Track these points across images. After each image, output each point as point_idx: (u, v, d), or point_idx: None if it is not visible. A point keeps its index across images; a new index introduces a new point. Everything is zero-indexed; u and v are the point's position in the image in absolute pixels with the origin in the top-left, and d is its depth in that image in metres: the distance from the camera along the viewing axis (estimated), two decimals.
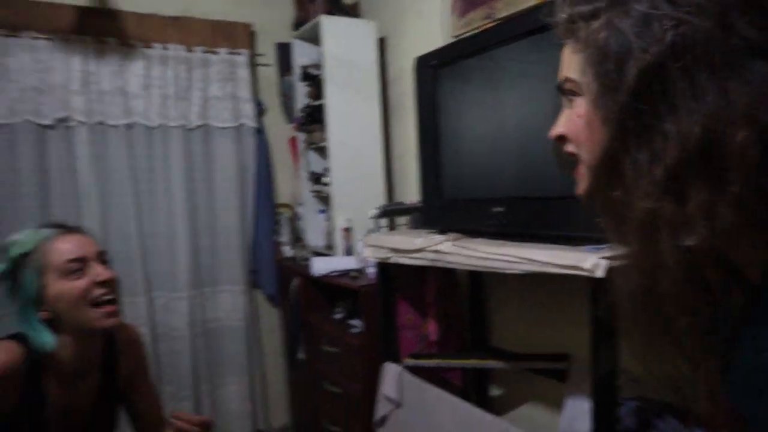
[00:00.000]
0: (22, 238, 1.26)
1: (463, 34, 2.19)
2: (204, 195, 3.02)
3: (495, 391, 2.33)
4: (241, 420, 3.16)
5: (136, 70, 2.83)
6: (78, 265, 1.25)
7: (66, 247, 1.26)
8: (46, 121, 2.67)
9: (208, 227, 3.05)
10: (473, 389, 2.30)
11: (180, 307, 2.96)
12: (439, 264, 1.61)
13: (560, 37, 0.66)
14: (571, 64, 0.64)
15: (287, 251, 3.14)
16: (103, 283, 1.26)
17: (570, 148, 0.67)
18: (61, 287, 1.23)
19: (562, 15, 0.64)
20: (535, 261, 1.26)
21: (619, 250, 0.63)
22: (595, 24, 0.59)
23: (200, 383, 3.04)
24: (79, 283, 1.24)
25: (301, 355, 2.82)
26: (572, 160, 0.68)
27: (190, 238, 2.95)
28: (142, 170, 2.88)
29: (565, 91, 0.66)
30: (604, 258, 1.12)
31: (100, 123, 2.77)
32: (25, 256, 1.24)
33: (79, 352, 1.29)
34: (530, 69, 1.42)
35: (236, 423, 3.16)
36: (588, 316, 1.24)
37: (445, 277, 2.15)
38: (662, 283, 0.57)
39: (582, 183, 0.67)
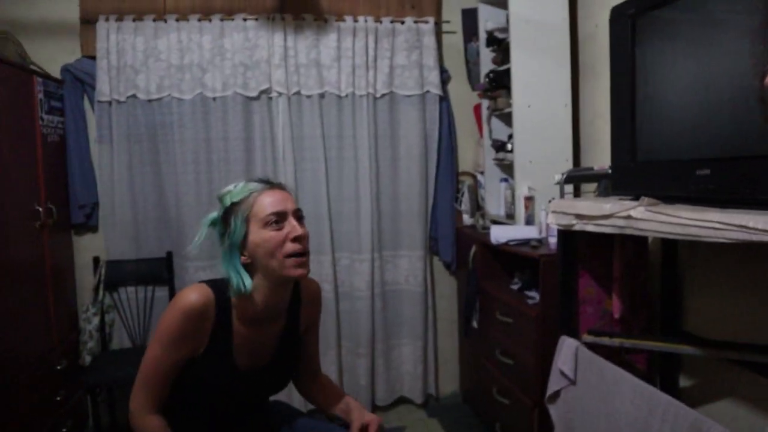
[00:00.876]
0: (235, 189, 1.40)
1: None
2: (388, 162, 3.13)
3: (685, 382, 2.10)
4: (413, 382, 3.26)
5: (329, 42, 3.00)
6: (277, 218, 1.34)
7: (269, 201, 1.36)
8: (252, 94, 2.96)
9: (391, 193, 3.16)
10: (659, 376, 2.11)
11: (362, 268, 3.12)
12: (629, 232, 1.48)
13: None
14: None
15: (467, 219, 3.14)
16: (296, 238, 1.34)
17: None
18: (261, 236, 1.33)
19: None
20: (750, 228, 1.10)
21: None
22: None
23: (376, 342, 3.19)
24: (277, 235, 1.33)
25: (475, 323, 2.82)
26: None
27: (374, 203, 3.09)
28: (331, 137, 3.07)
29: None
30: None
31: (297, 93, 3.00)
32: (236, 204, 1.36)
33: (270, 297, 1.39)
34: (747, 12, 1.22)
35: (408, 385, 3.28)
36: None
37: (634, 249, 1.98)
38: None
39: None
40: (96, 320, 2.89)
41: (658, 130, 1.54)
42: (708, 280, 1.95)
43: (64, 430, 2.68)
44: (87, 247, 3.03)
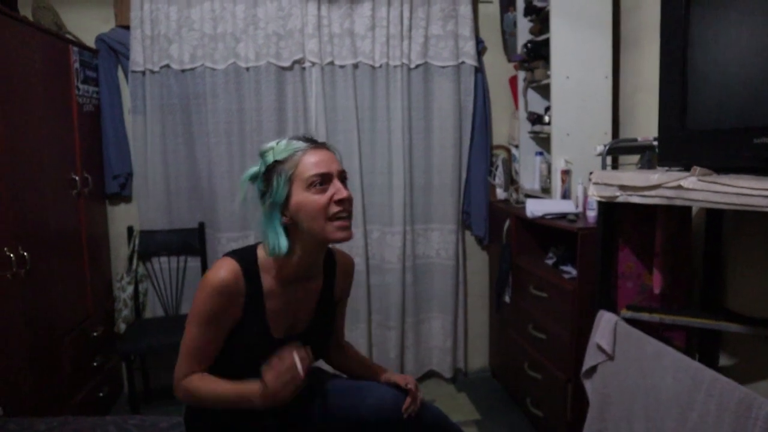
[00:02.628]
0: (278, 146, 1.35)
1: None
2: (421, 134, 3.09)
3: (726, 361, 2.06)
4: (442, 356, 3.26)
5: (363, 12, 2.95)
6: (322, 180, 1.29)
7: (314, 161, 1.31)
8: (285, 63, 2.93)
9: (424, 166, 3.12)
10: (697, 354, 2.07)
11: (393, 241, 3.10)
12: (678, 203, 1.43)
13: None
14: None
15: (500, 193, 3.09)
16: (340, 201, 1.30)
17: None
18: (304, 197, 1.29)
19: None
20: None
21: None
22: None
23: (406, 316, 3.19)
24: (320, 198, 1.29)
25: (507, 297, 2.79)
26: None
27: (407, 176, 3.05)
28: (365, 108, 3.03)
29: None
30: None
31: (330, 63, 2.96)
32: (278, 162, 1.32)
33: (305, 258, 1.37)
34: None
35: (437, 359, 3.27)
36: None
37: (678, 223, 1.92)
38: None
39: None
40: (130, 289, 2.94)
41: (711, 97, 1.49)
42: (752, 256, 1.90)
43: (101, 394, 2.75)
44: (121, 217, 3.06)
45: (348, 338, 3.10)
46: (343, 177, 1.35)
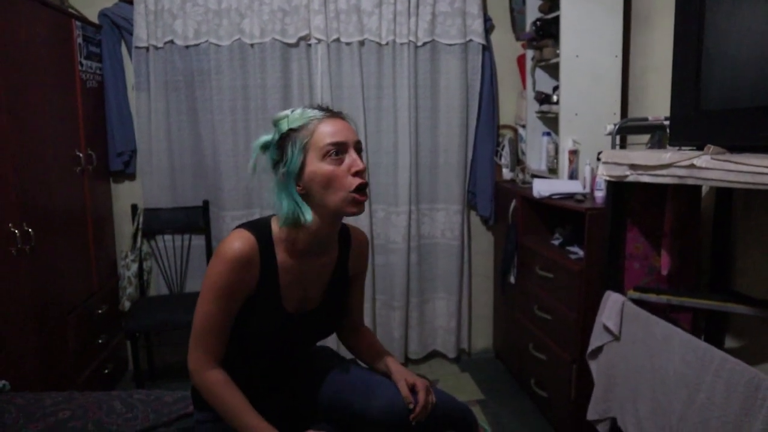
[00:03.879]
0: (293, 115, 1.30)
1: None
2: (428, 113, 3.06)
3: (732, 342, 2.05)
4: (446, 336, 3.26)
5: None
6: (338, 150, 1.26)
7: (329, 130, 1.26)
8: (290, 40, 2.89)
9: (430, 145, 3.09)
10: (704, 336, 2.06)
11: (399, 221, 3.09)
12: (689, 182, 1.42)
13: None
14: None
15: (506, 173, 3.07)
16: (357, 173, 1.27)
17: None
18: (318, 167, 1.25)
19: None
20: None
21: None
22: None
23: (411, 296, 3.18)
24: (336, 169, 1.25)
25: (512, 278, 2.78)
26: None
27: (412, 155, 3.03)
28: (371, 86, 2.99)
29: None
30: None
31: (336, 40, 2.92)
32: (293, 131, 1.27)
33: (320, 230, 1.32)
34: None
35: (441, 339, 3.28)
36: None
37: (687, 204, 1.90)
38: None
39: None
40: (134, 267, 2.94)
41: (726, 77, 1.46)
42: (761, 238, 1.88)
43: (106, 371, 2.76)
44: (125, 195, 3.05)
45: None
46: (359, 148, 1.31)
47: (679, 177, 1.44)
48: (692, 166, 1.38)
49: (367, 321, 3.07)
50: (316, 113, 1.29)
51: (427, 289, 3.23)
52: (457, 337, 3.26)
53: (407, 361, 3.22)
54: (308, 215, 1.27)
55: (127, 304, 2.89)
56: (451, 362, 3.27)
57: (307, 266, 1.38)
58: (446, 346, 3.27)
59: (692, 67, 1.54)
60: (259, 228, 1.33)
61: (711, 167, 1.32)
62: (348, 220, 1.42)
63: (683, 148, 1.63)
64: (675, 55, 1.61)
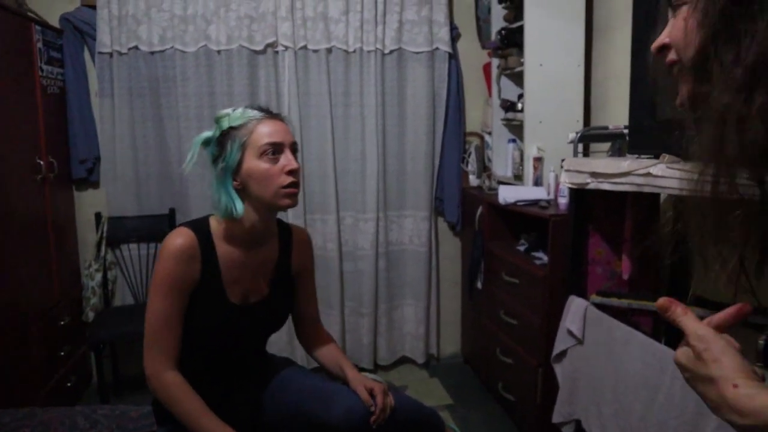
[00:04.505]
0: (234, 114, 1.39)
1: None
2: (395, 120, 3.08)
3: None
4: (414, 342, 3.27)
5: None
6: (274, 150, 1.35)
7: (267, 131, 1.36)
8: (257, 47, 2.88)
9: (397, 152, 3.11)
10: (664, 338, 2.11)
11: (366, 228, 3.10)
12: (647, 190, 1.46)
13: None
14: None
15: (473, 180, 3.11)
16: (291, 172, 1.36)
17: (671, 56, 0.69)
18: (255, 165, 1.35)
19: None
20: None
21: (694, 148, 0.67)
22: None
23: (380, 302, 3.19)
24: (271, 168, 1.35)
25: (479, 284, 2.82)
26: (672, 71, 0.69)
27: (380, 162, 3.04)
28: (338, 94, 3.00)
29: (673, 3, 0.68)
30: None
31: (303, 48, 2.92)
32: (233, 129, 1.36)
33: (256, 222, 1.42)
34: None
35: (409, 345, 3.29)
36: None
37: (646, 211, 1.96)
38: (723, 170, 0.62)
39: (683, 87, 0.68)
40: (98, 276, 2.88)
41: None
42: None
43: (69, 384, 2.70)
44: (89, 203, 2.99)
45: None
46: (294, 148, 1.40)
47: (637, 185, 1.48)
48: (649, 174, 1.42)
49: (335, 328, 3.08)
50: (256, 114, 1.38)
51: (395, 295, 3.24)
52: (426, 342, 3.28)
53: (376, 368, 3.23)
54: (240, 208, 1.36)
55: (91, 315, 2.83)
56: (420, 368, 3.29)
57: (249, 259, 1.46)
58: (415, 351, 3.28)
59: (648, 77, 1.59)
60: (197, 224, 1.42)
61: (666, 175, 1.36)
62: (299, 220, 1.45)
63: (642, 156, 1.68)
64: (632, 66, 1.66)
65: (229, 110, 1.40)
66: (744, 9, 0.58)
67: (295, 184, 1.38)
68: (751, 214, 0.63)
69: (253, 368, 1.55)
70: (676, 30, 0.68)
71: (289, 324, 1.68)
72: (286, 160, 1.36)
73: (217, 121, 1.40)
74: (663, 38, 0.71)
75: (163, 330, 1.35)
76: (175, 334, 1.36)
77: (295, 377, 1.55)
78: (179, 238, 1.36)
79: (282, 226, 1.57)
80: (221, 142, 1.37)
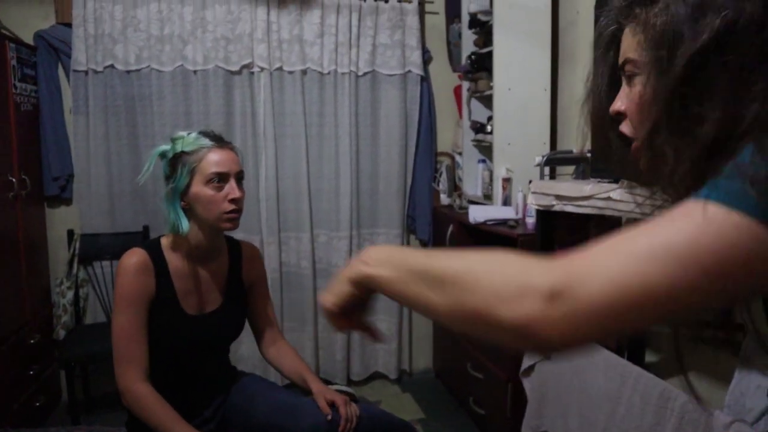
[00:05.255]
0: (188, 139, 1.48)
1: None
2: (368, 140, 3.15)
3: (651, 357, 2.21)
4: (387, 357, 3.32)
5: (312, 18, 2.98)
6: (220, 179, 1.46)
7: (216, 160, 1.46)
8: (233, 68, 2.93)
9: (370, 171, 3.18)
10: (626, 352, 2.21)
11: (340, 245, 3.15)
12: (607, 212, 1.55)
13: (621, 20, 0.69)
14: (632, 45, 0.67)
15: (444, 199, 3.19)
16: (233, 200, 1.47)
17: (625, 128, 0.72)
18: (201, 191, 1.45)
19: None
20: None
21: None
22: (654, 9, 0.63)
23: None
24: (216, 195, 1.46)
25: None
26: (625, 141, 0.73)
27: (353, 181, 3.11)
28: (313, 114, 3.07)
29: (626, 72, 0.69)
30: None
31: (279, 69, 2.98)
32: (185, 153, 1.46)
33: (203, 240, 1.53)
34: None
35: (382, 360, 3.34)
36: None
37: (609, 231, 2.06)
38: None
39: (641, 162, 0.70)
40: (70, 294, 2.86)
41: None
42: None
43: (38, 404, 2.66)
44: (61, 220, 2.98)
45: (295, 341, 3.13)
46: (239, 177, 1.51)
47: (599, 208, 1.57)
48: (609, 198, 1.51)
49: (309, 344, 3.11)
50: (207, 142, 1.48)
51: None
52: (398, 358, 3.33)
53: (350, 383, 3.26)
54: (185, 226, 1.47)
55: (62, 333, 2.81)
56: (393, 383, 3.33)
57: (200, 272, 1.56)
58: (388, 367, 3.33)
59: (608, 106, 1.69)
60: (148, 244, 1.54)
61: (625, 200, 1.46)
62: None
63: (603, 180, 1.77)
64: None
65: (184, 133, 1.50)
66: (693, 90, 0.59)
67: (236, 210, 1.49)
68: None
69: (219, 380, 1.63)
70: (630, 103, 0.70)
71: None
72: (230, 188, 1.47)
73: (173, 141, 1.50)
74: (620, 106, 0.72)
75: (129, 344, 1.43)
76: (141, 346, 1.44)
77: (263, 391, 1.62)
78: (132, 257, 1.46)
79: (231, 242, 1.68)
80: (173, 164, 1.47)
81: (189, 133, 1.50)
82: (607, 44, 0.74)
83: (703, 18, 0.57)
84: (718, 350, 1.76)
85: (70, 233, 2.90)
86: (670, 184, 0.64)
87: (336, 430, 1.45)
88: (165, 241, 1.54)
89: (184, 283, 1.53)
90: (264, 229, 3.03)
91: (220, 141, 1.51)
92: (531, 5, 2.61)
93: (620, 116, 0.73)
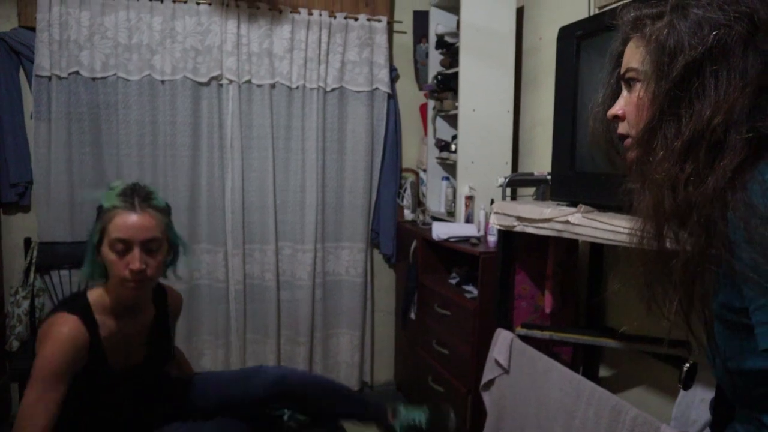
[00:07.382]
0: (111, 193, 1.46)
1: (609, 5, 2.13)
2: (335, 155, 3.19)
3: (605, 372, 2.31)
4: (349, 370, 3.35)
5: (282, 33, 3.01)
6: (122, 245, 1.41)
7: (121, 225, 1.41)
8: (202, 79, 2.93)
9: (336, 186, 3.22)
10: (582, 367, 2.30)
11: (304, 258, 3.17)
12: (565, 235, 1.63)
13: (628, 33, 0.83)
14: (635, 56, 0.80)
15: (408, 215, 3.25)
16: (131, 272, 1.41)
17: (621, 129, 0.83)
18: (106, 252, 1.43)
19: (630, 15, 0.82)
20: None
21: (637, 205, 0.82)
22: (660, 23, 0.76)
23: (315, 331, 3.25)
24: (118, 261, 1.42)
25: (413, 314, 2.94)
26: (620, 140, 0.85)
27: (319, 195, 3.14)
28: (280, 128, 3.09)
29: (627, 79, 0.82)
30: None
31: (248, 82, 2.99)
32: (103, 209, 1.45)
33: (119, 294, 1.48)
34: None
35: (344, 372, 3.36)
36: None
37: (566, 251, 2.15)
38: (662, 224, 0.77)
39: (630, 153, 0.83)
40: (26, 304, 2.79)
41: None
42: (628, 281, 2.15)
43: None
44: (18, 228, 2.91)
45: (257, 353, 3.15)
46: (146, 246, 1.44)
47: (558, 231, 1.65)
48: (567, 222, 1.59)
49: (271, 356, 3.12)
50: (120, 203, 1.43)
51: (331, 324, 3.31)
52: (360, 370, 3.36)
53: None
54: (96, 277, 1.46)
55: (15, 344, 2.74)
56: None
57: (127, 325, 1.53)
58: (350, 379, 3.35)
59: (568, 131, 1.78)
60: (77, 305, 1.45)
61: (582, 224, 1.53)
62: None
63: (562, 203, 1.85)
64: (555, 120, 1.85)
65: (117, 183, 1.49)
66: (685, 93, 0.72)
67: (138, 279, 1.43)
68: (688, 260, 0.76)
69: (157, 407, 1.66)
70: (630, 106, 0.82)
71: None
72: (131, 258, 1.41)
73: (108, 189, 1.49)
74: (618, 110, 0.84)
75: (39, 417, 1.31)
76: (50, 415, 1.32)
77: (211, 379, 1.75)
78: (66, 328, 1.37)
79: (156, 290, 1.65)
80: (98, 214, 1.46)
81: (117, 187, 1.47)
82: (614, 62, 0.88)
83: (700, 32, 0.71)
84: (666, 365, 1.86)
85: (28, 241, 2.83)
86: (654, 173, 0.75)
87: (284, 383, 1.57)
88: (92, 298, 1.48)
89: (112, 340, 1.49)
90: (229, 241, 3.02)
91: (133, 202, 1.44)
92: (496, 30, 2.71)
93: (617, 119, 0.84)
